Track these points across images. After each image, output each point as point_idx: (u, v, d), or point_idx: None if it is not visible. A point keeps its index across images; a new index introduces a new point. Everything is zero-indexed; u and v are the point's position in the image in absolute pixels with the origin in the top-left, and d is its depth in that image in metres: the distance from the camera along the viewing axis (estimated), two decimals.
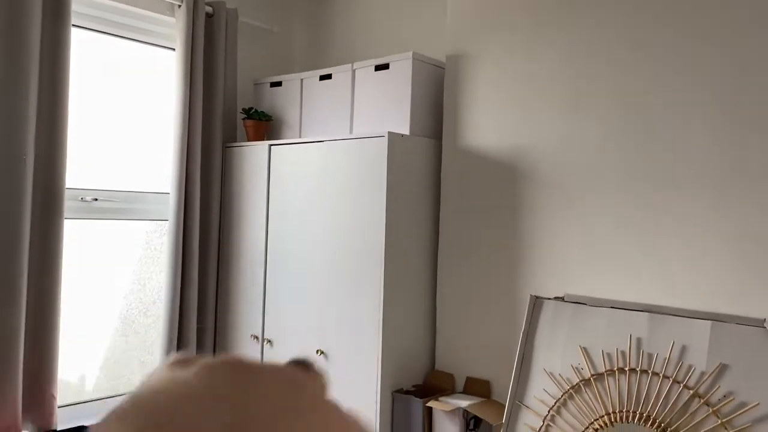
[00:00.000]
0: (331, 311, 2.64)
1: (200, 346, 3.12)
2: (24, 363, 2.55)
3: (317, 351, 2.67)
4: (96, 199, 2.86)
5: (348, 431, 0.34)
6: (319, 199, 2.71)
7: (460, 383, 2.57)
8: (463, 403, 2.35)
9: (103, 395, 2.96)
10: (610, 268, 2.22)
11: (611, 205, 2.22)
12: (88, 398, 2.90)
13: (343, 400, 2.57)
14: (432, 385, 2.60)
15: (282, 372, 0.35)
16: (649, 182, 2.14)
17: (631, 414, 1.94)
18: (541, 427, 2.08)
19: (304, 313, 2.74)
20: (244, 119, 3.14)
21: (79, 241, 2.85)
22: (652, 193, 2.13)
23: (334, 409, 0.35)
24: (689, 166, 2.06)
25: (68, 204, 2.75)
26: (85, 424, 2.71)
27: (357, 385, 2.52)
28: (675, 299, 2.07)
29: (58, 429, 2.63)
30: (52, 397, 2.61)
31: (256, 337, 2.95)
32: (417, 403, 2.41)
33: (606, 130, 2.24)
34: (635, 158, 2.17)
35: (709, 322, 1.90)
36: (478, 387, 2.50)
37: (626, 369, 1.99)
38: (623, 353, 2.01)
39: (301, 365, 0.38)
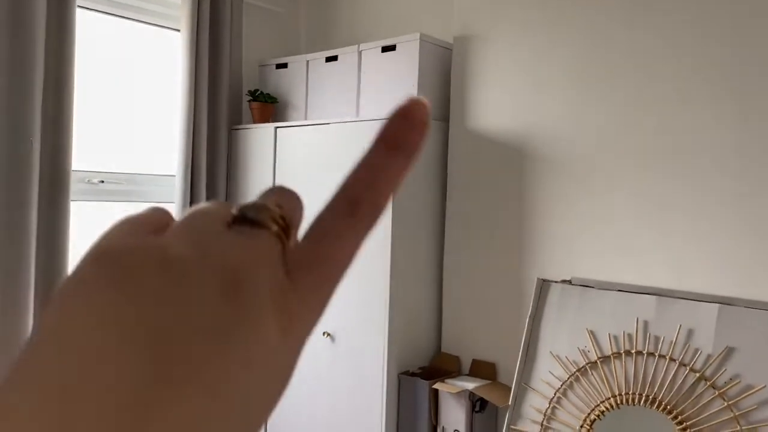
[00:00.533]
0: (338, 294, 2.64)
1: None
2: None
3: (324, 333, 2.68)
4: (102, 182, 2.87)
5: None
6: (326, 183, 2.70)
7: (466, 366, 2.58)
8: (469, 385, 2.36)
9: None
10: (618, 251, 2.21)
11: (620, 188, 2.21)
12: None
13: (350, 382, 2.58)
14: (438, 367, 2.62)
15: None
16: (659, 165, 2.12)
17: (637, 396, 1.95)
18: (547, 409, 2.09)
19: None
20: (249, 101, 3.13)
21: (86, 224, 2.85)
22: (661, 177, 2.12)
23: None
24: (700, 150, 2.04)
25: (75, 186, 2.75)
26: None
27: (363, 368, 2.53)
28: (683, 282, 2.06)
29: None
30: None
31: None
32: (423, 385, 2.42)
33: (615, 112, 2.22)
34: (645, 141, 2.15)
35: (717, 305, 1.90)
36: (483, 369, 2.51)
37: (633, 352, 1.99)
38: (630, 336, 2.01)
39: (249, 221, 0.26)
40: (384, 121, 0.27)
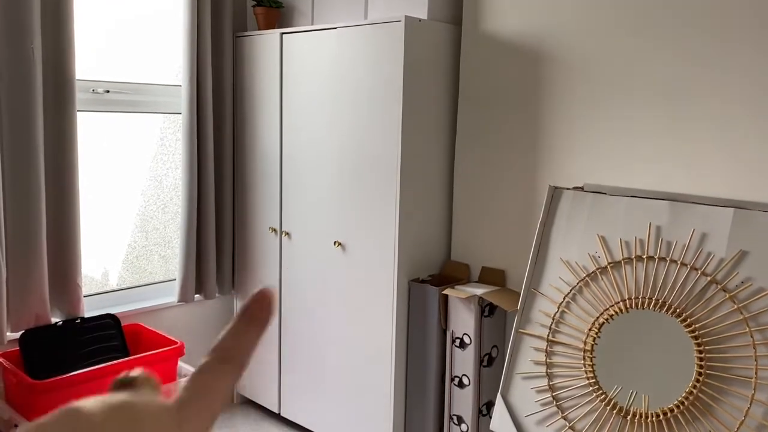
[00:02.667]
0: (348, 204, 2.64)
1: (219, 241, 3.16)
2: (48, 254, 2.60)
3: (335, 242, 2.69)
4: (108, 91, 2.82)
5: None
6: (334, 91, 2.64)
7: (476, 273, 2.60)
8: (478, 290, 2.39)
9: (127, 286, 3.04)
10: (632, 157, 2.17)
11: (635, 92, 2.14)
12: (111, 288, 2.98)
13: (362, 289, 2.61)
14: (447, 275, 2.64)
15: (111, 406, 0.34)
16: (677, 68, 2.04)
17: (646, 300, 1.96)
18: (556, 313, 2.11)
19: (321, 205, 2.74)
20: (253, 6, 3.02)
21: (93, 135, 2.83)
22: (677, 80, 2.05)
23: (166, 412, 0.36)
24: (718, 51, 1.96)
25: (80, 96, 2.71)
26: (111, 311, 2.80)
27: (374, 276, 2.56)
28: (698, 187, 2.03)
29: (85, 316, 2.72)
30: (78, 286, 2.68)
31: (275, 230, 2.97)
32: (433, 291, 2.45)
33: (632, 14, 2.12)
34: (662, 44, 2.06)
35: (732, 209, 1.87)
36: (493, 276, 2.53)
37: (644, 257, 1.98)
38: (641, 241, 2.00)
39: (126, 384, 0.40)
40: (244, 302, 0.40)
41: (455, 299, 2.41)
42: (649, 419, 1.89)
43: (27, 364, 2.49)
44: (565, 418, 2.03)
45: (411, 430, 2.58)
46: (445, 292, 2.41)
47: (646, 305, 1.96)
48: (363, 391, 2.65)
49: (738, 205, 1.88)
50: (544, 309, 2.15)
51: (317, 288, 2.81)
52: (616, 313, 2.00)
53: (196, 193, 2.97)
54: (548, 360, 2.11)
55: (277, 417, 3.11)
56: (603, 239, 2.08)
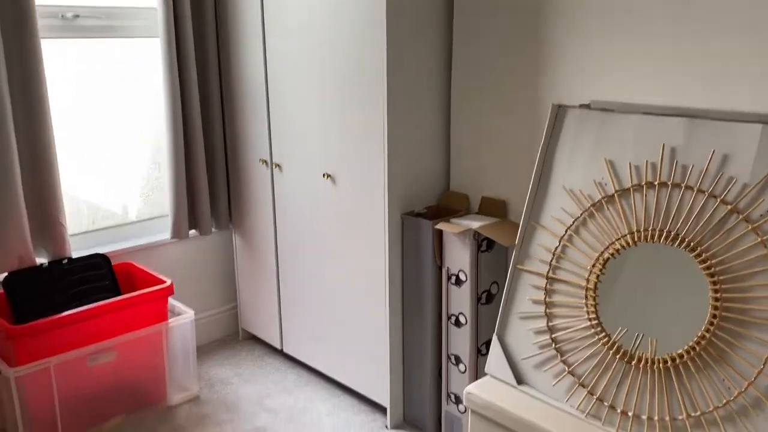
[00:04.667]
0: (336, 133, 2.42)
1: (211, 174, 3.00)
2: (26, 193, 2.48)
3: (324, 174, 2.49)
4: (77, 16, 2.61)
5: None
6: (317, 12, 2.37)
7: (475, 204, 2.38)
8: (475, 224, 2.17)
9: (119, 223, 2.92)
10: (644, 68, 1.88)
11: None
12: (101, 226, 2.87)
13: (353, 225, 2.43)
14: (446, 206, 2.42)
15: None
16: None
17: (657, 233, 1.72)
18: (557, 248, 1.89)
19: (309, 136, 2.53)
20: None
21: (66, 65, 2.65)
22: None
23: None
24: None
25: (47, 22, 2.51)
26: (101, 251, 2.70)
27: (365, 210, 2.36)
28: (718, 101, 1.74)
29: (73, 257, 2.63)
30: (61, 225, 2.58)
31: (265, 162, 2.79)
32: (426, 226, 2.25)
33: None
34: None
35: (759, 125, 1.59)
36: (493, 207, 2.30)
37: (656, 183, 1.73)
38: (653, 165, 1.74)
39: None
40: None
41: (450, 234, 2.21)
42: (655, 365, 1.69)
43: (13, 307, 2.43)
44: (564, 362, 1.85)
45: (409, 369, 2.45)
46: (438, 226, 2.20)
47: (656, 238, 1.72)
48: (359, 330, 2.51)
49: (767, 120, 1.59)
50: (544, 243, 1.93)
51: (310, 223, 2.64)
52: (623, 247, 1.77)
53: (181, 123, 2.79)
54: (548, 299, 1.91)
55: (280, 353, 3.03)
56: (610, 164, 1.82)
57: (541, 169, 1.95)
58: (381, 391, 2.50)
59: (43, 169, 2.49)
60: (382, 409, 2.57)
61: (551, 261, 1.91)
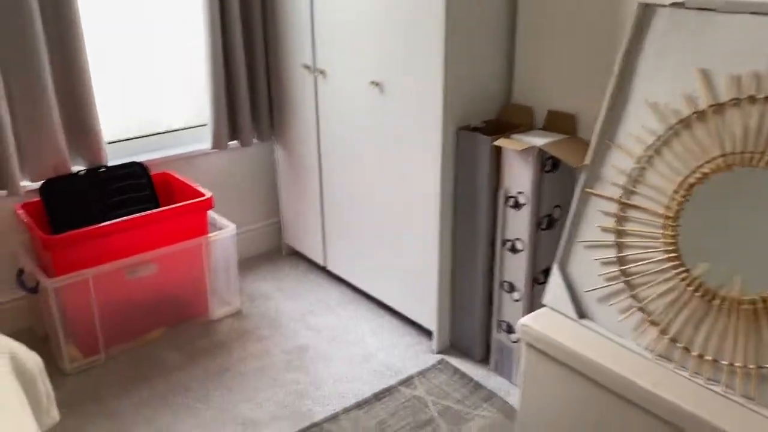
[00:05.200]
0: (384, 39, 2.18)
1: (252, 81, 2.81)
2: (59, 99, 2.36)
3: (371, 82, 2.28)
4: None
5: None
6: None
7: (541, 118, 2.14)
8: (539, 141, 1.95)
9: (156, 132, 2.79)
10: None
11: None
12: (139, 134, 2.75)
13: (402, 138, 2.24)
14: (506, 120, 2.20)
15: None
16: None
17: (757, 156, 1.47)
18: (634, 170, 1.67)
19: (357, 40, 2.30)
20: None
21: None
22: None
23: None
24: None
25: None
26: (139, 160, 2.59)
27: (416, 122, 2.16)
28: None
29: (109, 164, 2.52)
30: (96, 132, 2.46)
31: (308, 68, 2.58)
32: (484, 142, 2.04)
33: None
34: None
35: None
36: (561, 122, 2.07)
37: (759, 97, 1.47)
38: (758, 76, 1.48)
39: None
40: None
41: (510, 151, 1.99)
42: (741, 306, 1.49)
43: (50, 215, 2.36)
44: (634, 297, 1.67)
45: (458, 294, 2.31)
46: (497, 142, 1.99)
47: (755, 162, 1.48)
48: (407, 250, 2.37)
49: None
50: (618, 164, 1.71)
51: (355, 135, 2.45)
52: (713, 171, 1.54)
53: (219, 27, 2.58)
54: (619, 227, 1.71)
55: (324, 270, 2.94)
56: (705, 74, 1.56)
57: (619, 79, 1.70)
58: (427, 314, 2.38)
59: (75, 75, 2.35)
60: (427, 333, 2.47)
61: (626, 184, 1.69)
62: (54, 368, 2.29)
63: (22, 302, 2.48)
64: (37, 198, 2.38)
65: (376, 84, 2.26)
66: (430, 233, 2.24)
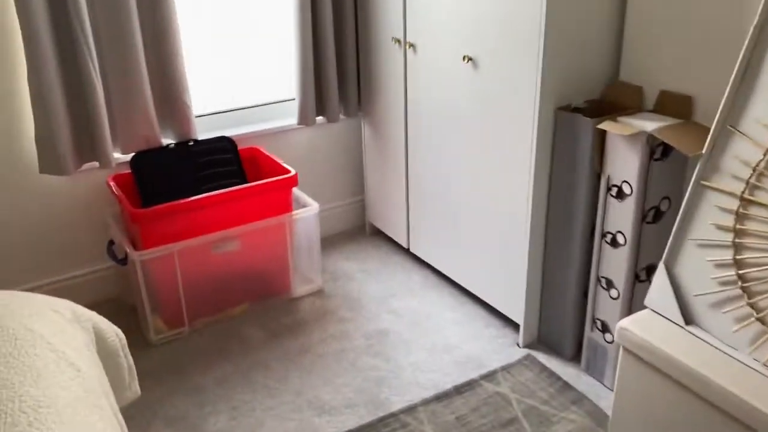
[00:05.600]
0: (479, 8, 2.03)
1: (341, 55, 2.73)
2: (150, 72, 2.37)
3: (464, 57, 2.14)
4: None
5: None
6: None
7: (651, 99, 1.94)
8: (650, 125, 1.76)
9: (244, 106, 2.77)
10: None
11: None
12: (227, 108, 2.74)
13: (496, 117, 2.09)
14: (612, 101, 2.00)
15: None
16: None
17: None
18: (760, 162, 1.46)
19: (450, 10, 2.16)
20: None
21: None
22: None
23: None
24: None
25: None
26: (227, 134, 2.58)
27: (512, 99, 2.01)
28: None
29: (199, 138, 2.53)
30: (186, 106, 2.46)
31: (398, 41, 2.47)
32: (586, 124, 1.86)
33: None
34: None
35: None
36: (675, 104, 1.86)
37: None
38: None
39: None
40: None
41: (615, 136, 1.81)
42: None
43: (140, 188, 2.39)
44: (752, 305, 1.48)
45: (549, 286, 2.17)
46: (602, 126, 1.81)
47: None
48: (495, 236, 2.24)
49: None
50: (742, 154, 1.50)
51: (445, 113, 2.33)
52: None
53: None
54: (738, 225, 1.51)
55: (407, 251, 2.85)
56: None
57: (748, 57, 1.48)
58: (515, 306, 2.25)
59: (167, 50, 2.35)
60: (513, 325, 2.34)
61: (749, 178, 1.48)
62: (140, 339, 2.34)
63: (112, 271, 2.55)
64: (128, 170, 2.41)
65: (469, 58, 2.12)
66: (521, 219, 2.10)
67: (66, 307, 1.55)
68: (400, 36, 2.44)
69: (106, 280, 2.57)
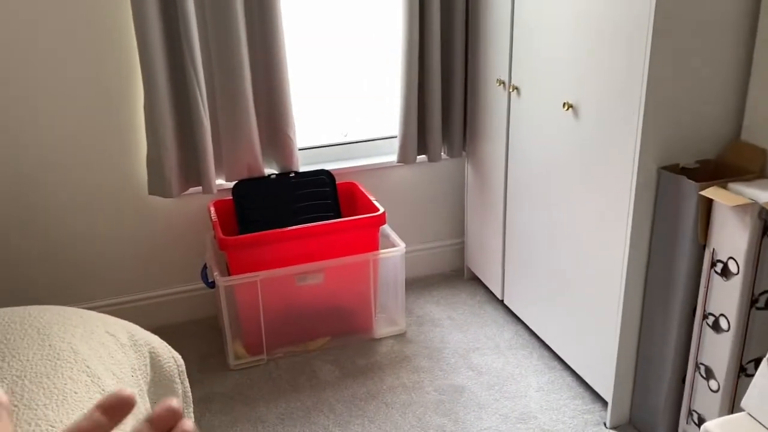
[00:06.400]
0: (582, 50, 1.87)
1: (447, 93, 2.65)
2: (257, 104, 2.45)
3: (564, 104, 1.98)
4: None
5: None
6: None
7: None
8: (765, 195, 1.50)
9: (345, 141, 2.78)
10: None
11: None
12: (328, 143, 2.76)
13: (594, 170, 1.90)
14: (730, 162, 1.74)
15: None
16: None
17: None
18: None
19: (557, 56, 2.01)
20: None
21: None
22: None
23: None
24: None
25: None
26: (326, 167, 2.60)
27: (611, 153, 1.82)
28: None
29: (299, 170, 2.57)
30: (289, 138, 2.52)
31: (503, 83, 2.35)
32: (690, 188, 1.63)
33: None
34: None
35: None
36: None
37: None
38: None
39: None
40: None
41: (722, 206, 1.56)
42: None
43: (238, 213, 2.47)
44: None
45: (643, 366, 1.92)
46: (705, 193, 1.57)
47: None
48: (588, 301, 2.03)
49: None
50: None
51: (543, 160, 2.17)
52: None
53: (417, 37, 2.48)
54: None
55: (501, 303, 2.68)
56: None
57: None
58: (604, 381, 2.01)
59: (274, 84, 2.42)
60: (602, 402, 2.10)
61: None
62: (221, 362, 2.40)
63: (210, 293, 2.65)
64: (229, 197, 2.50)
65: (570, 106, 1.96)
66: (614, 285, 1.88)
67: (123, 329, 1.61)
68: (505, 78, 2.32)
69: (204, 299, 2.67)
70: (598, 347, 2.01)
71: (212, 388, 2.27)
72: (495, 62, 2.38)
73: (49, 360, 1.34)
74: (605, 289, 1.92)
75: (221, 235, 2.24)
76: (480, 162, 2.64)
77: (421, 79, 2.57)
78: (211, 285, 2.40)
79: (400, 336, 2.54)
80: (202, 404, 2.15)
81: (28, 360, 1.34)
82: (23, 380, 1.28)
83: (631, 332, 1.91)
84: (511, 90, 2.30)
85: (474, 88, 2.58)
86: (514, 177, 2.39)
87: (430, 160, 2.71)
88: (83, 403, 1.26)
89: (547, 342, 2.34)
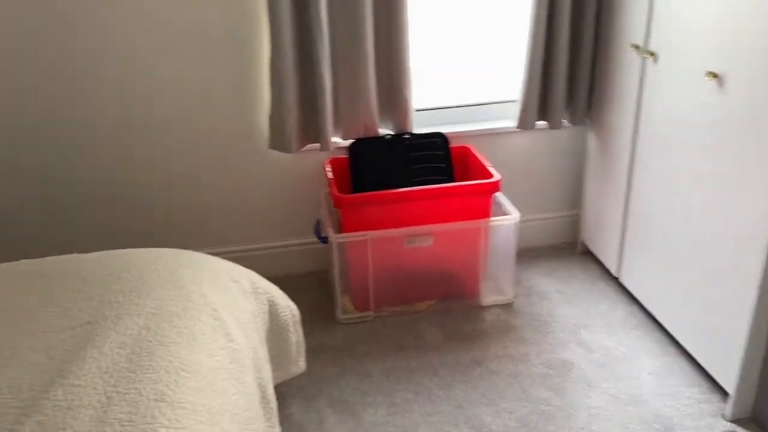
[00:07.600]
0: (736, 13, 1.71)
1: (574, 58, 2.53)
2: (377, 64, 2.44)
3: (707, 73, 1.82)
4: None
5: None
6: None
7: None
8: None
9: (462, 104, 2.73)
10: None
11: None
12: (445, 105, 2.72)
13: (739, 148, 1.76)
14: None
15: None
16: None
17: None
18: None
19: (701, 18, 1.86)
20: None
21: None
22: None
23: None
24: None
25: None
26: (442, 130, 2.57)
27: (761, 130, 1.66)
28: None
29: (414, 131, 2.56)
30: (405, 100, 2.50)
31: (637, 48, 2.20)
32: None
33: None
34: None
35: None
36: None
37: None
38: None
39: None
40: None
41: None
42: None
43: (353, 172, 2.50)
44: None
45: None
46: None
47: None
48: (716, 285, 1.90)
49: None
50: None
51: (679, 134, 2.03)
52: None
53: None
54: None
55: (616, 281, 2.58)
56: None
57: None
58: (726, 371, 1.90)
59: (394, 43, 2.40)
60: (722, 392, 1.98)
61: None
62: (330, 315, 2.46)
63: (323, 247, 2.71)
64: (345, 155, 2.53)
65: (714, 75, 1.80)
66: (751, 273, 1.75)
67: (246, 277, 1.68)
68: (641, 42, 2.17)
69: (315, 253, 2.74)
70: (724, 335, 1.89)
71: (321, 340, 2.34)
72: (630, 26, 2.23)
73: (180, 301, 1.42)
74: (740, 275, 1.79)
75: (337, 193, 2.28)
76: (605, 131, 2.51)
77: (548, 41, 2.46)
78: (324, 240, 2.46)
79: (507, 306, 2.50)
80: (311, 354, 2.23)
81: (161, 299, 1.42)
82: (157, 318, 1.37)
83: (762, 322, 1.77)
84: (646, 56, 2.15)
85: (604, 53, 2.44)
86: (642, 149, 2.26)
87: (551, 126, 2.61)
88: (209, 344, 1.33)
89: (664, 324, 2.23)
